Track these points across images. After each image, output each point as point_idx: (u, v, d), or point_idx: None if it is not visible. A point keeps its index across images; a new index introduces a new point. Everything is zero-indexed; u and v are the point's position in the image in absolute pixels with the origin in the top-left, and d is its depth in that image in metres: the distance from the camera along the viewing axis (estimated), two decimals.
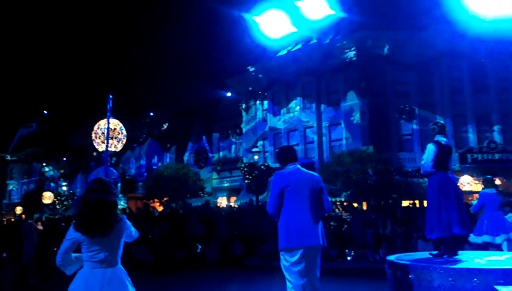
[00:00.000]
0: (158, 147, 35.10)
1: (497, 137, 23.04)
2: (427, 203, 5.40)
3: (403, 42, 23.69)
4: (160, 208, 24.74)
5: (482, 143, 22.45)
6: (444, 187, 5.12)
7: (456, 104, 23.49)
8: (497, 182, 20.62)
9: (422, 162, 5.40)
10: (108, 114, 8.89)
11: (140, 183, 32.50)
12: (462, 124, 23.61)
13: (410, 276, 4.49)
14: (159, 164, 33.40)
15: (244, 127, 29.97)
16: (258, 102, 29.03)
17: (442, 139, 5.35)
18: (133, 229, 3.35)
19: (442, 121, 5.73)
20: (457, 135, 23.00)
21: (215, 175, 31.58)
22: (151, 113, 37.20)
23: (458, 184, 8.21)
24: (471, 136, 23.29)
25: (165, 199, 25.15)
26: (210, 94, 32.13)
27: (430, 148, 5.28)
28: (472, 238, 7.98)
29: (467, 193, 19.58)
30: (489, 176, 8.83)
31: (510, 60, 23.29)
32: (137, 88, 41.14)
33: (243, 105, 30.23)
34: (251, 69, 28.63)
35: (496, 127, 23.29)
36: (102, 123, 9.18)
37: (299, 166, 4.41)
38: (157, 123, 36.37)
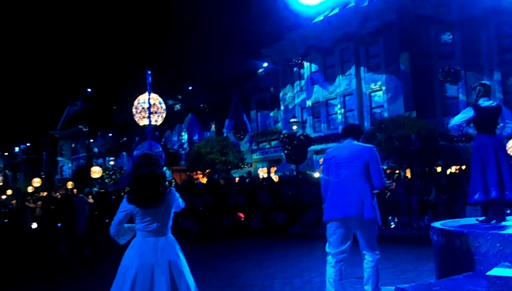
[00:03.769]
0: (198, 120, 35.64)
1: None
2: (471, 168, 5.27)
3: (446, 0, 22.40)
4: (204, 180, 25.35)
5: None
6: (483, 150, 4.95)
7: (505, 64, 22.16)
8: None
9: (452, 119, 5.24)
10: (148, 89, 9.07)
11: (183, 156, 33.32)
12: (510, 85, 22.33)
13: (456, 242, 4.42)
14: (200, 137, 33.99)
15: (282, 98, 29.77)
16: (295, 71, 28.63)
17: (485, 103, 5.09)
18: (180, 200, 3.50)
19: (487, 82, 5.42)
20: (506, 97, 21.80)
21: (254, 146, 31.81)
22: (190, 88, 37.60)
23: (507, 148, 7.79)
24: None
25: (207, 171, 25.71)
26: (247, 66, 31.99)
27: (467, 112, 5.09)
28: None
29: None
30: None
31: None
32: (175, 63, 41.53)
33: (281, 76, 29.93)
34: (287, 37, 28.12)
35: None
36: (142, 98, 9.40)
37: (355, 142, 4.44)
38: (195, 97, 36.78)
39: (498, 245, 4.06)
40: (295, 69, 28.55)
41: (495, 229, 4.41)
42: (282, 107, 29.70)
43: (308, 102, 27.25)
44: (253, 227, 14.31)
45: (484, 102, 5.09)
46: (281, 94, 29.96)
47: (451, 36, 22.81)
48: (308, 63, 27.42)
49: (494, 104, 5.16)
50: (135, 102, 9.49)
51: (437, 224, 5.05)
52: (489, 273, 3.65)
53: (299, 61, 27.78)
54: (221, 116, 33.64)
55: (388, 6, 23.06)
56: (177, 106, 37.02)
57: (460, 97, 22.40)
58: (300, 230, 13.40)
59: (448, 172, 18.75)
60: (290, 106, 28.77)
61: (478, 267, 4.15)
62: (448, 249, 4.54)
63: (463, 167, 18.54)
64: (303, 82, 28.02)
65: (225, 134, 31.28)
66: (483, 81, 5.47)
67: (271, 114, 31.45)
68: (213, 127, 33.68)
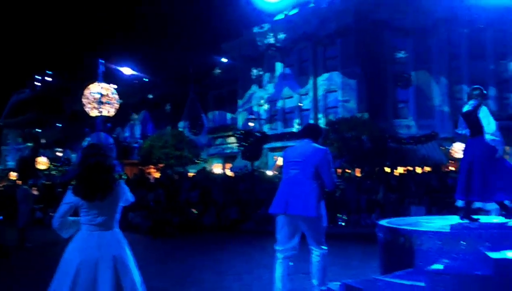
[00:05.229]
0: (153, 114, 34.87)
1: (491, 104, 23.03)
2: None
3: (402, 8, 23.26)
4: (156, 175, 24.86)
5: None
6: (463, 153, 5.25)
7: (453, 71, 23.36)
8: None
9: None
10: (99, 79, 8.74)
11: (136, 150, 32.46)
12: (458, 91, 23.58)
13: (400, 239, 4.59)
14: (154, 131, 33.28)
15: (240, 94, 29.76)
16: (253, 68, 28.70)
17: (464, 108, 5.19)
18: (129, 194, 3.39)
19: (476, 86, 5.25)
20: (453, 102, 22.99)
21: (210, 142, 31.58)
22: (146, 80, 36.70)
23: (450, 150, 8.10)
24: None
25: (160, 165, 25.24)
26: (206, 61, 31.69)
27: (459, 118, 5.33)
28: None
29: (459, 160, 19.76)
30: None
31: (508, 27, 23.01)
32: (131, 53, 40.46)
33: (239, 73, 29.89)
34: (246, 34, 28.13)
35: (491, 94, 23.26)
36: (92, 88, 9.03)
37: (312, 143, 4.49)
38: (152, 89, 35.96)
39: (439, 243, 4.26)
40: (253, 66, 28.61)
41: (437, 228, 4.62)
42: (239, 104, 29.70)
43: (265, 100, 27.41)
44: (206, 223, 14.22)
45: (464, 108, 5.23)
46: (239, 90, 29.94)
47: (404, 42, 23.71)
48: (267, 60, 27.57)
49: (470, 107, 5.08)
50: (85, 92, 9.12)
51: (383, 222, 5.21)
52: (428, 269, 3.82)
53: (259, 58, 27.82)
54: (177, 110, 33.11)
55: (346, 8, 23.63)
56: (133, 98, 35.98)
57: (410, 101, 23.37)
58: (253, 226, 13.47)
59: (397, 173, 19.50)
60: (247, 104, 28.83)
61: (419, 263, 4.33)
62: (392, 246, 4.70)
63: (410, 168, 19.36)
64: (261, 79, 28.13)
65: (180, 129, 30.84)
66: (474, 86, 5.34)
67: (228, 112, 31.37)
68: (168, 121, 33.08)
